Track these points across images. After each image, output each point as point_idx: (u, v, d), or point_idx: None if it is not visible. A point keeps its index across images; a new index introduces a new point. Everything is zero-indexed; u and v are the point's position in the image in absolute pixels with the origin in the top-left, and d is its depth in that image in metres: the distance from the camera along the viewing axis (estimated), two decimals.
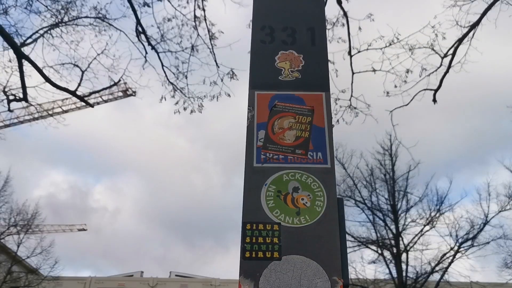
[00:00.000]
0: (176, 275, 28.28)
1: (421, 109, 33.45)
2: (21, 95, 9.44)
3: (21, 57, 8.78)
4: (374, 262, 19.16)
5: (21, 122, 27.33)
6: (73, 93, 9.60)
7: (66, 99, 27.60)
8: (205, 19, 9.42)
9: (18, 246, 20.55)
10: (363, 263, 19.68)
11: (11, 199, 21.07)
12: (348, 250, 19.32)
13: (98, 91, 11.65)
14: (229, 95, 9.45)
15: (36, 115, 23.48)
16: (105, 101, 30.86)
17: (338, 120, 9.67)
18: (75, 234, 34.25)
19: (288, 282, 2.33)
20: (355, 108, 9.67)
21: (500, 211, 18.60)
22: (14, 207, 27.49)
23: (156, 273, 26.52)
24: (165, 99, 9.74)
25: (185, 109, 9.70)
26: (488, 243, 18.42)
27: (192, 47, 9.61)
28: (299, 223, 2.47)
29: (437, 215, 18.59)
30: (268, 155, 2.65)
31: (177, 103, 9.70)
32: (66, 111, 27.96)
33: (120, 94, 30.90)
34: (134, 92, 28.70)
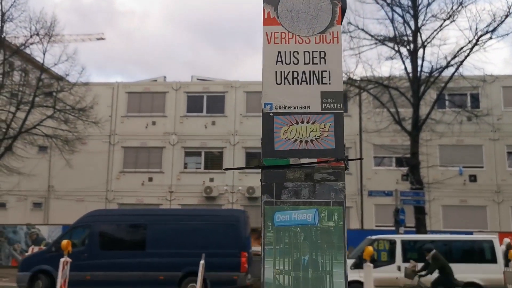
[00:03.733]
0: (198, 79, 29.59)
1: None
2: None
3: None
4: (391, 58, 19.49)
5: None
6: None
7: None
8: None
9: (44, 54, 21.35)
10: (379, 60, 20.02)
11: (27, 7, 21.09)
12: (365, 48, 19.64)
13: None
14: None
15: None
16: None
17: None
18: (101, 42, 34.75)
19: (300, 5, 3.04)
20: None
21: None
22: (32, 15, 27.44)
23: (179, 78, 27.62)
24: None
25: None
26: (507, 34, 18.27)
27: None
28: None
29: (459, 8, 18.12)
30: None
31: None
32: None
33: None
34: None
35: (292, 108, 3.06)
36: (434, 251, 11.96)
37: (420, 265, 12.26)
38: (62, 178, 24.84)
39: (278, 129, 3.03)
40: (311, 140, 2.96)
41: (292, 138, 2.98)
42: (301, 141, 2.95)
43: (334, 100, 2.98)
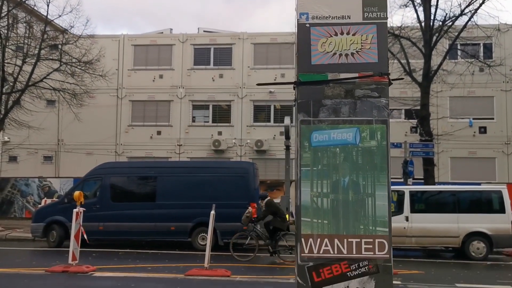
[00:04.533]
0: (204, 31, 29.08)
1: None
2: None
3: None
4: (405, 5, 18.91)
5: None
6: None
7: None
8: None
9: (48, 5, 20.98)
10: (391, 9, 19.43)
11: None
12: None
13: None
14: None
15: None
16: None
17: None
18: None
19: None
20: None
21: None
22: None
23: (186, 30, 27.09)
24: None
25: None
26: None
27: None
28: None
29: None
30: None
31: None
32: None
33: None
34: None
35: (330, 18, 2.78)
36: (268, 198, 13.19)
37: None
38: (71, 131, 24.96)
39: (315, 42, 2.77)
40: (352, 53, 2.67)
41: (331, 51, 2.68)
42: (340, 55, 2.67)
43: (377, 8, 2.67)
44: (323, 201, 2.78)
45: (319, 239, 2.70)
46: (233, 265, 11.30)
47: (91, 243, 15.52)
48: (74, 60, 20.87)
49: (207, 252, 10.31)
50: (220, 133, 25.34)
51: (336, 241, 2.70)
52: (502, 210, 13.69)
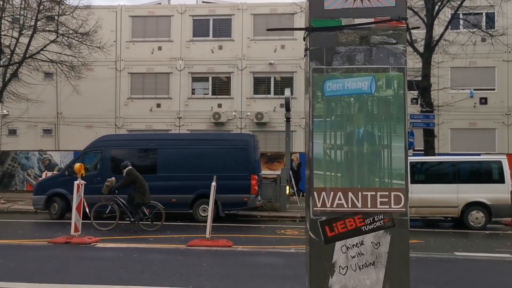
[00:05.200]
0: (203, 1, 28.60)
1: None
2: None
3: None
4: None
5: None
6: None
7: None
8: None
9: None
10: None
11: None
12: None
13: None
14: None
15: None
16: None
17: None
18: None
19: None
20: None
21: None
22: None
23: (184, 1, 26.67)
24: None
25: None
26: None
27: None
28: None
29: None
30: None
31: None
32: None
33: None
34: None
35: None
36: (129, 167, 13.10)
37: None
38: (70, 104, 24.84)
39: None
40: None
41: None
42: None
43: None
44: (337, 154, 2.68)
45: (332, 193, 2.60)
46: (235, 236, 11.41)
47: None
48: (71, 32, 20.62)
49: (209, 223, 10.39)
50: (220, 105, 25.23)
51: (350, 194, 2.61)
52: (501, 180, 13.74)
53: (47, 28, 20.94)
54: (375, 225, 2.62)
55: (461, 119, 23.31)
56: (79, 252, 9.60)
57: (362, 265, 2.56)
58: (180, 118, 25.30)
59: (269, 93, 25.28)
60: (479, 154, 18.18)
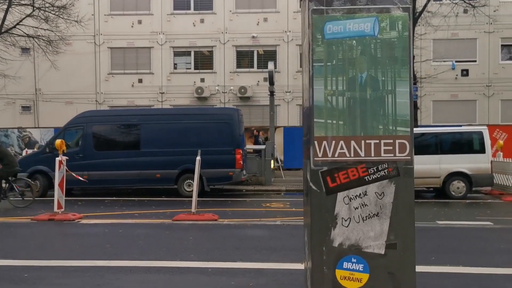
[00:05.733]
0: None
1: None
2: None
3: None
4: None
5: None
6: None
7: None
8: None
9: None
10: None
11: None
12: None
13: None
14: None
15: None
16: None
17: None
18: None
19: None
20: None
21: None
22: None
23: None
24: None
25: None
26: None
27: None
28: None
29: None
30: None
31: None
32: None
33: None
34: None
35: None
36: None
37: None
38: (49, 80, 24.33)
39: None
40: None
41: None
42: None
43: None
44: (338, 100, 2.52)
45: (334, 142, 2.42)
46: (220, 210, 11.43)
47: (76, 192, 15.54)
48: (47, 5, 20.03)
49: (194, 197, 10.37)
50: (202, 80, 24.98)
51: (352, 143, 2.44)
52: (482, 150, 13.95)
53: (23, 2, 20.31)
54: (379, 174, 2.47)
55: (443, 91, 23.50)
56: (63, 229, 9.52)
57: (366, 217, 2.41)
58: (163, 93, 25.01)
59: (252, 67, 25.08)
60: (460, 126, 18.40)
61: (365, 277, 2.33)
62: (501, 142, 16.85)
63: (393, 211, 2.44)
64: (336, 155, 2.43)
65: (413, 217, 2.44)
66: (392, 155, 2.41)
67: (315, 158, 2.46)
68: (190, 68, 25.41)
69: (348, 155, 2.46)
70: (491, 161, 14.02)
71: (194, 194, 10.43)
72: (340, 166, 2.50)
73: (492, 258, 6.98)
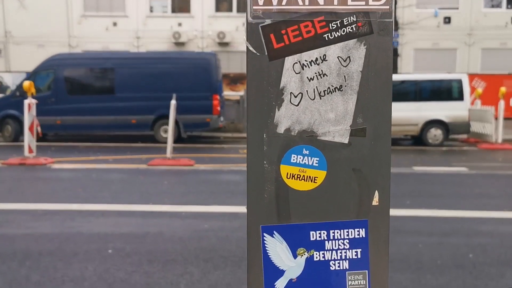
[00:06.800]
0: None
1: None
2: None
3: None
4: None
5: None
6: None
7: None
8: None
9: None
10: None
11: None
12: None
13: None
14: None
15: None
16: None
17: None
18: None
19: None
20: None
21: None
22: None
23: None
24: None
25: None
26: None
27: None
28: None
29: None
30: None
31: None
32: None
33: None
34: None
35: None
36: None
37: None
38: (19, 22, 23.22)
39: None
40: None
41: None
42: None
43: None
44: None
45: None
46: (197, 156, 11.28)
47: (50, 137, 15.16)
48: None
49: (169, 142, 10.17)
50: (180, 24, 24.14)
51: None
52: (460, 97, 13.94)
53: None
54: (343, 31, 1.51)
55: (424, 40, 23.24)
56: (34, 173, 9.28)
57: (324, 91, 1.45)
58: (139, 38, 24.17)
59: (231, 11, 24.29)
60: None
61: (321, 175, 1.30)
62: (479, 90, 16.88)
63: (363, 83, 1.41)
64: (283, 2, 1.47)
65: (390, 91, 1.41)
66: (363, 3, 1.37)
67: (254, 7, 1.43)
68: (167, 12, 24.49)
69: (301, 2, 1.48)
70: (469, 109, 14.06)
71: (169, 139, 10.23)
72: (289, 19, 1.49)
73: (466, 202, 7.04)
